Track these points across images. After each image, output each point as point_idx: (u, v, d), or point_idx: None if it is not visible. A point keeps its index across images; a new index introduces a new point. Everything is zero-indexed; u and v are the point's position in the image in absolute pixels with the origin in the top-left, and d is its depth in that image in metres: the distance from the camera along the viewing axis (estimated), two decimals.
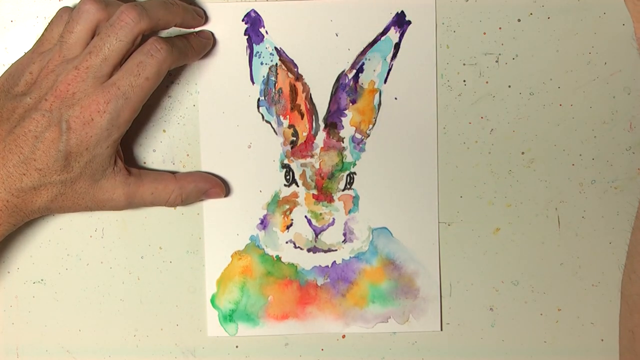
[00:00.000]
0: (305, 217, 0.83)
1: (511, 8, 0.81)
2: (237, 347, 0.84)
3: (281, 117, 0.82)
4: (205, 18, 0.80)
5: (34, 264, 0.83)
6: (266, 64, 0.82)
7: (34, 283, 0.83)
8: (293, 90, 0.82)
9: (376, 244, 0.83)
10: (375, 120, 0.82)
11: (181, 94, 0.82)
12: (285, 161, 0.82)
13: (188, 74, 0.82)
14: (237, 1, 0.81)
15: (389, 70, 0.82)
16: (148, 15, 0.74)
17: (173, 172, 0.81)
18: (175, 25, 0.78)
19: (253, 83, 0.82)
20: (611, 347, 0.83)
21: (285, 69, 0.82)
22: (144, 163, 0.82)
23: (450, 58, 0.82)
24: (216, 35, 0.81)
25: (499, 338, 0.84)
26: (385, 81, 0.82)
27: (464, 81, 0.82)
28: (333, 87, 0.82)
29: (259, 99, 0.82)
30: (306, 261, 0.83)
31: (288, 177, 0.83)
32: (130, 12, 0.74)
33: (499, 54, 0.82)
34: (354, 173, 0.83)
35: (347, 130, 0.82)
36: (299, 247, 0.83)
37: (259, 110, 0.82)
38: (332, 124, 0.82)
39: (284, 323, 0.84)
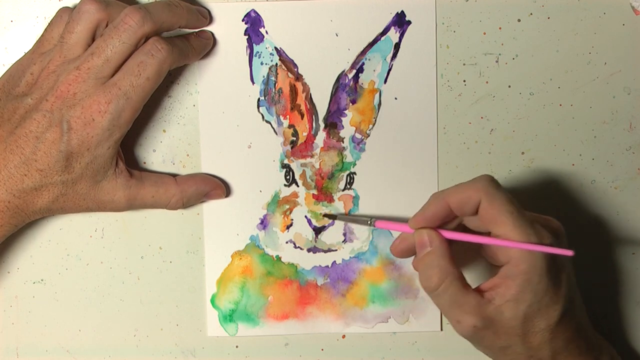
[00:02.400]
0: (305, 217, 0.83)
1: (511, 8, 0.81)
2: (237, 347, 0.84)
3: (281, 117, 0.82)
4: (209, 19, 0.80)
5: (34, 264, 0.83)
6: (266, 64, 0.82)
7: (34, 283, 0.83)
8: (293, 90, 0.82)
9: (376, 244, 0.83)
10: (375, 120, 0.82)
11: (181, 94, 0.82)
12: (285, 161, 0.82)
13: (188, 74, 0.82)
14: (237, 1, 0.81)
15: (389, 70, 0.82)
16: (152, 19, 0.74)
17: (174, 175, 0.81)
18: (179, 27, 0.78)
19: (253, 83, 0.82)
20: (612, 340, 0.84)
21: (285, 69, 0.82)
22: (144, 163, 0.82)
23: (450, 58, 0.82)
24: (216, 35, 0.81)
25: None
26: (385, 81, 0.82)
27: (464, 81, 0.82)
28: (333, 87, 0.82)
29: (259, 99, 0.82)
30: (306, 261, 0.83)
31: (288, 177, 0.83)
32: (134, 15, 0.74)
33: (499, 54, 0.82)
34: (354, 173, 0.83)
35: (347, 130, 0.82)
36: (299, 247, 0.83)
37: (259, 110, 0.82)
38: (332, 124, 0.82)
39: (284, 323, 0.84)
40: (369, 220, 0.79)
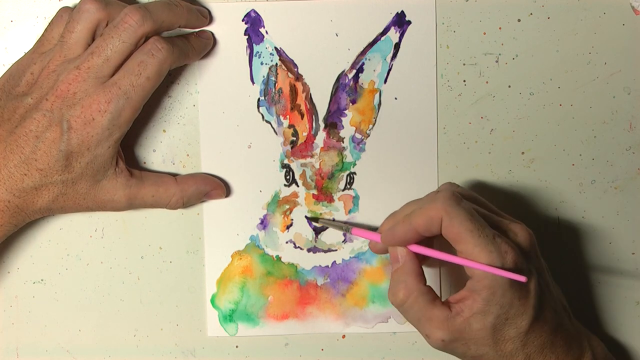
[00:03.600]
0: (306, 217, 0.83)
1: (511, 8, 0.81)
2: (237, 347, 0.84)
3: (281, 117, 0.82)
4: (209, 18, 0.80)
5: (34, 264, 0.83)
6: (266, 64, 0.82)
7: (34, 283, 0.83)
8: (293, 90, 0.82)
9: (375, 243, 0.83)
10: (375, 120, 0.82)
11: (181, 94, 0.82)
12: (285, 161, 0.82)
13: (188, 74, 0.82)
14: (237, 1, 0.81)
15: (389, 70, 0.82)
16: (152, 18, 0.74)
17: (174, 174, 0.81)
18: (179, 26, 0.78)
19: (253, 83, 0.82)
20: (611, 340, 0.83)
21: (285, 69, 0.82)
22: (144, 163, 0.82)
23: (450, 58, 0.82)
24: (216, 35, 0.81)
25: None
26: (385, 81, 0.82)
27: (464, 81, 0.82)
28: (333, 87, 0.82)
29: (259, 99, 0.82)
30: (306, 261, 0.83)
31: (288, 177, 0.83)
32: (134, 14, 0.74)
33: (499, 54, 0.82)
34: (354, 173, 0.83)
35: (347, 130, 0.82)
36: (299, 247, 0.83)
37: (259, 110, 0.82)
38: (332, 124, 0.82)
39: (284, 323, 0.84)
40: (344, 227, 0.81)
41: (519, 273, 0.70)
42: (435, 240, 0.76)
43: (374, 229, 0.81)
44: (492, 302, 0.71)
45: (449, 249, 0.73)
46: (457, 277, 0.83)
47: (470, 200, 0.74)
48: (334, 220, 0.83)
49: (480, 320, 0.71)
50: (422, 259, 0.75)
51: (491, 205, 0.77)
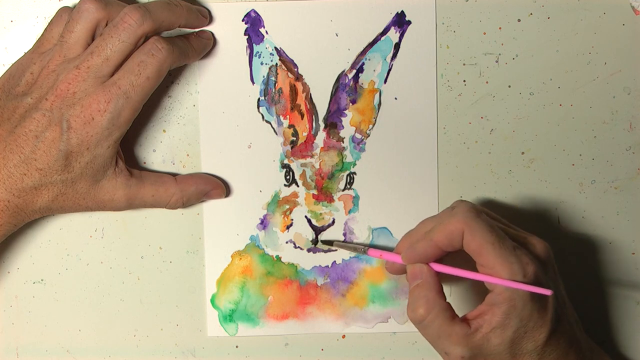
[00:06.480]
0: (305, 217, 0.83)
1: (511, 8, 0.81)
2: (237, 347, 0.84)
3: (281, 117, 0.82)
4: (209, 18, 0.80)
5: (34, 264, 0.83)
6: (266, 64, 0.82)
7: (34, 283, 0.83)
8: (293, 90, 0.82)
9: (376, 244, 0.83)
10: (375, 120, 0.82)
11: (181, 94, 0.82)
12: (285, 161, 0.82)
13: (188, 74, 0.82)
14: (237, 1, 0.81)
15: (389, 70, 0.82)
16: (151, 18, 0.75)
17: (174, 174, 0.81)
18: (179, 26, 0.78)
19: (253, 83, 0.82)
20: (611, 340, 0.83)
21: (285, 69, 0.82)
22: (144, 163, 0.82)
23: (450, 58, 0.82)
24: (216, 35, 0.81)
25: None
26: (385, 81, 0.82)
27: (464, 81, 0.82)
28: (333, 87, 0.82)
29: (259, 99, 0.82)
30: (306, 261, 0.83)
31: (288, 177, 0.83)
32: (133, 14, 0.74)
33: (499, 54, 0.82)
34: (354, 173, 0.83)
35: (347, 130, 0.82)
36: (299, 247, 0.83)
37: (259, 110, 0.82)
38: (332, 124, 0.82)
39: (284, 323, 0.84)
40: (359, 249, 0.81)
41: (540, 285, 0.70)
42: (445, 258, 0.76)
43: (388, 249, 0.81)
44: (512, 315, 0.71)
45: (463, 265, 0.74)
46: (475, 292, 0.83)
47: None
48: (345, 241, 0.83)
49: (500, 335, 0.71)
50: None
51: (504, 220, 0.77)
